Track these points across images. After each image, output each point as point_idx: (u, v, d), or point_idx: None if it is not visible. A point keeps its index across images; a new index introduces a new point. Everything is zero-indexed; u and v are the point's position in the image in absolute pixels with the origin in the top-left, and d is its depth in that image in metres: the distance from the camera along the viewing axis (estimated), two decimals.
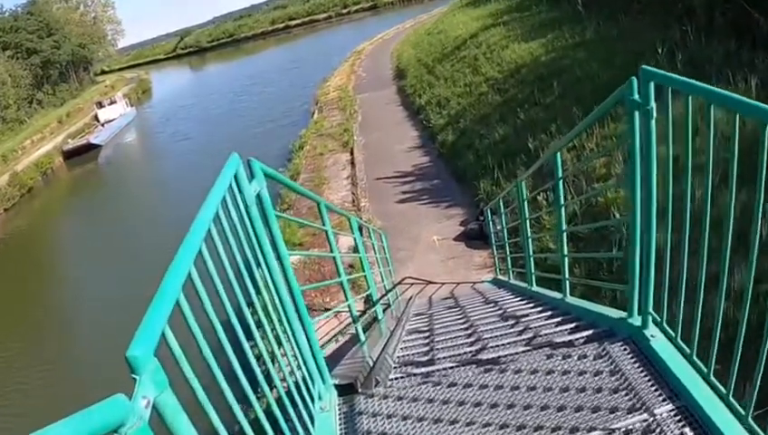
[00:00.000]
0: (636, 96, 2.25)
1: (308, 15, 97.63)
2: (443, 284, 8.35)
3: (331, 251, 3.65)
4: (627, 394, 2.31)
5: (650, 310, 2.52)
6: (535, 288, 5.07)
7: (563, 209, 3.68)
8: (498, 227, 8.13)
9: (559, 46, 14.56)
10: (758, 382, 1.84)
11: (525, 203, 4.90)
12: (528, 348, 2.85)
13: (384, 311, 5.59)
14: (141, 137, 41.07)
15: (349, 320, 4.38)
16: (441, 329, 4.09)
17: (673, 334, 2.38)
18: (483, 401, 2.37)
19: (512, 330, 3.44)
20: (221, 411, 1.43)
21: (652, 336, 2.52)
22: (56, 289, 17.68)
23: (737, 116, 1.70)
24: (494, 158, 11.40)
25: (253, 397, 1.59)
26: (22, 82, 48.48)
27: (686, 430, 2.07)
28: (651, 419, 2.16)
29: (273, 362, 1.91)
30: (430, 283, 8.49)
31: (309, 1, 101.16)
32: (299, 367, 2.26)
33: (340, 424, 2.47)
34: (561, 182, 3.61)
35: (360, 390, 2.65)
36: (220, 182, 1.82)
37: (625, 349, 2.55)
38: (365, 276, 5.12)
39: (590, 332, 2.88)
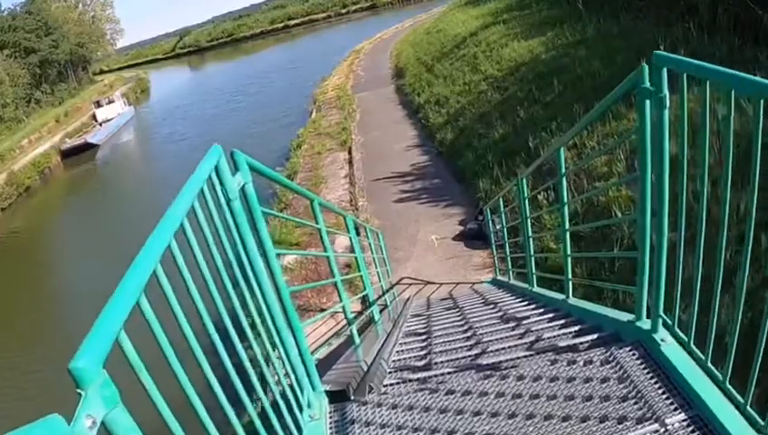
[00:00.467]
0: (647, 84, 2.10)
1: (307, 15, 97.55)
2: (441, 284, 8.21)
3: (325, 250, 3.50)
4: (636, 403, 2.16)
5: (661, 312, 2.37)
6: (536, 289, 4.92)
7: (566, 208, 3.53)
8: (498, 227, 7.99)
9: (559, 44, 14.42)
10: None
11: (526, 201, 4.74)
12: (530, 353, 2.70)
13: (381, 312, 5.45)
14: (139, 136, 40.92)
15: (345, 321, 4.25)
16: (439, 332, 3.95)
17: (685, 339, 2.23)
18: (483, 410, 2.22)
19: (512, 333, 3.29)
20: (194, 428, 1.29)
21: (662, 340, 2.37)
22: (53, 288, 17.52)
23: (761, 103, 1.55)
24: (494, 156, 11.26)
25: (231, 412, 1.45)
26: (20, 81, 48.22)
27: None
28: (662, 429, 2.02)
29: (256, 369, 1.77)
30: (428, 283, 8.35)
31: (308, 1, 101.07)
32: (286, 374, 2.11)
33: (330, 433, 2.32)
34: (564, 179, 3.45)
35: (352, 397, 2.50)
36: (197, 174, 1.67)
37: (633, 354, 2.40)
38: (361, 277, 4.98)
39: (596, 335, 2.74)
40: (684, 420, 2.04)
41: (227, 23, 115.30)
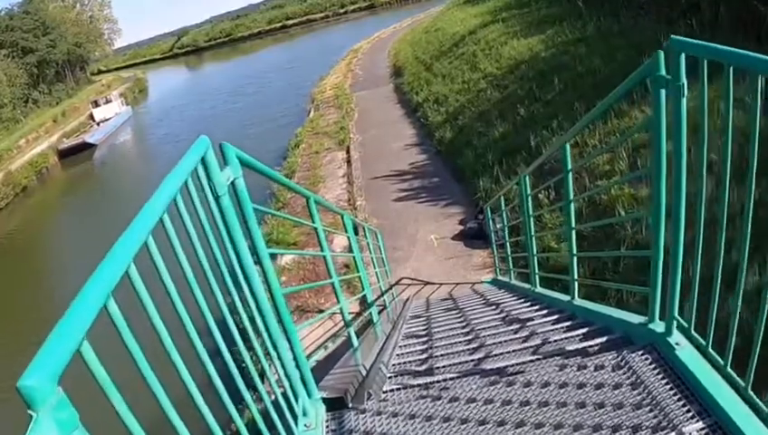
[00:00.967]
0: (663, 72, 1.97)
1: (305, 15, 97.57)
2: (441, 284, 8.08)
3: (322, 250, 3.37)
4: (651, 410, 2.03)
5: (676, 314, 2.24)
6: (539, 289, 4.79)
7: (572, 205, 3.40)
8: (498, 226, 7.87)
9: (559, 42, 14.31)
10: None
11: (529, 199, 4.61)
12: (537, 357, 2.57)
13: (379, 313, 5.32)
14: (137, 136, 40.75)
15: (343, 322, 4.11)
16: (440, 334, 3.82)
17: (703, 342, 2.10)
18: (488, 419, 2.09)
19: (517, 335, 3.16)
20: None
21: (677, 344, 2.24)
22: (51, 288, 17.36)
23: None
24: (494, 155, 11.13)
25: (216, 426, 1.32)
26: (17, 81, 48.07)
27: None
28: None
29: (245, 377, 1.64)
30: (428, 283, 8.23)
31: (306, 1, 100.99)
32: (278, 381, 1.98)
33: None
34: (569, 175, 3.32)
35: (350, 404, 2.37)
36: (181, 166, 1.54)
37: (646, 358, 2.27)
38: (359, 277, 4.85)
39: (605, 338, 2.61)
40: (702, 429, 1.92)
41: (225, 23, 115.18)
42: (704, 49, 1.74)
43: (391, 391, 2.54)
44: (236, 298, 1.74)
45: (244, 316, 1.76)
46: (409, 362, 3.10)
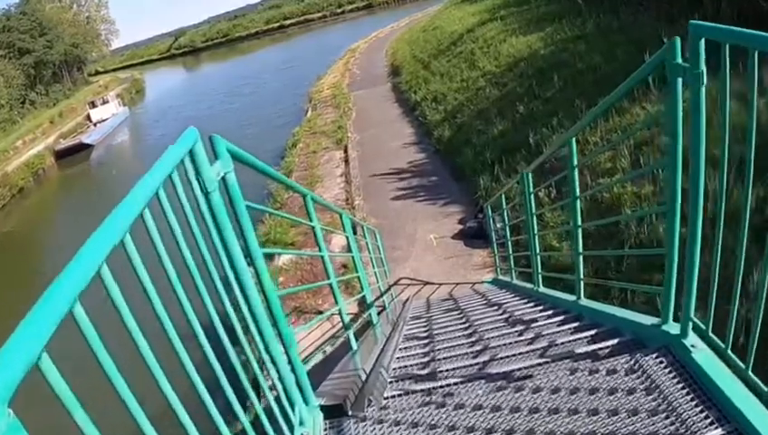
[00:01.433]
0: (679, 60, 1.86)
1: (302, 15, 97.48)
2: (440, 284, 7.96)
3: (320, 250, 3.25)
4: (667, 417, 1.92)
5: (692, 315, 2.12)
6: (542, 289, 4.68)
7: (578, 202, 3.28)
8: (499, 225, 7.75)
9: (558, 39, 14.20)
10: None
11: (531, 196, 4.49)
12: (546, 360, 2.45)
13: (379, 314, 5.20)
14: (133, 137, 40.57)
15: (341, 324, 3.99)
16: (442, 336, 3.70)
17: (722, 345, 1.99)
18: (496, 427, 1.97)
19: (522, 338, 3.05)
20: None
21: (693, 346, 2.13)
22: (46, 287, 17.20)
23: None
24: (493, 153, 11.01)
25: None
26: (14, 82, 47.88)
27: None
28: None
29: (235, 385, 1.52)
30: (427, 283, 8.11)
31: (304, 1, 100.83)
32: (273, 388, 1.86)
33: None
34: (575, 172, 3.21)
35: (350, 412, 2.26)
36: (165, 160, 1.42)
37: (661, 362, 2.15)
38: (358, 277, 4.72)
39: (616, 341, 2.49)
40: None
41: (223, 23, 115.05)
42: (727, 33, 1.63)
43: (392, 397, 2.42)
44: (226, 301, 1.62)
45: (235, 320, 1.64)
46: (411, 365, 2.98)
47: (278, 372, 1.96)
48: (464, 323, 4.12)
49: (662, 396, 2.00)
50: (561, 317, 3.42)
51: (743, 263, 1.79)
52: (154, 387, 1.11)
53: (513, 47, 15.80)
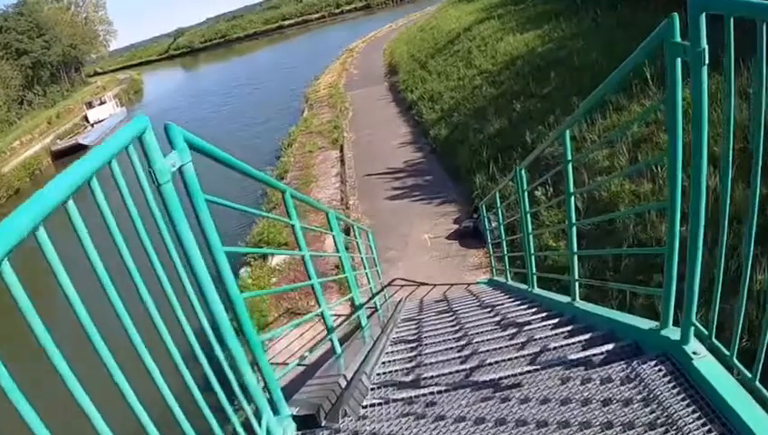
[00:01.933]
0: (678, 38, 1.70)
1: (301, 16, 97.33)
2: (434, 285, 7.80)
3: (300, 249, 3.09)
4: (666, 431, 1.75)
5: (694, 320, 1.95)
6: (536, 290, 4.51)
7: (573, 198, 3.11)
8: (494, 225, 7.60)
9: (555, 37, 14.05)
10: None
11: (525, 194, 4.33)
12: (535, 367, 2.28)
13: (369, 316, 5.03)
14: None
15: (335, 324, 3.81)
16: (431, 339, 3.54)
17: (726, 352, 1.82)
18: None
19: (513, 342, 2.88)
20: None
21: (694, 353, 1.96)
22: (43, 291, 17.08)
23: None
24: (490, 152, 10.84)
25: None
26: (11, 82, 47.77)
27: None
28: None
29: (183, 398, 1.36)
30: (421, 284, 7.95)
31: (302, 1, 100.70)
32: (231, 399, 1.69)
33: None
34: (570, 166, 3.04)
35: (323, 423, 2.09)
36: (102, 148, 1.26)
37: (660, 370, 1.99)
38: (347, 278, 4.56)
39: (611, 346, 2.32)
40: None
41: (221, 24, 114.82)
42: (731, 5, 1.46)
43: (372, 405, 2.25)
44: (176, 305, 1.45)
45: (186, 326, 1.47)
46: (395, 371, 2.81)
47: (244, 380, 1.80)
48: (454, 326, 3.96)
49: (661, 407, 1.83)
50: (554, 320, 3.26)
51: (750, 263, 1.63)
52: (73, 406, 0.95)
53: (509, 45, 15.66)
